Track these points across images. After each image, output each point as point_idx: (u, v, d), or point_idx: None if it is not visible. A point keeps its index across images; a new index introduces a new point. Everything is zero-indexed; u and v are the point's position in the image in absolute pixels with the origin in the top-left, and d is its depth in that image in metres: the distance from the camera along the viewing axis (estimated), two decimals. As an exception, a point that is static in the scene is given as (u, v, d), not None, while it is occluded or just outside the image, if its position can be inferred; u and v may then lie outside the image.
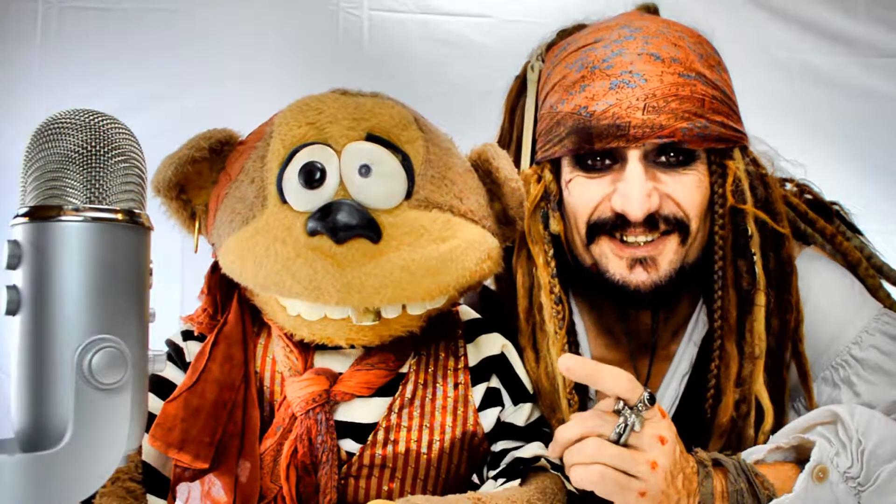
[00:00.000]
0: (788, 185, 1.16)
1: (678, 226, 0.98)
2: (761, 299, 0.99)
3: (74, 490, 0.53)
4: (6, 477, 0.50)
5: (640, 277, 0.98)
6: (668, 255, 0.98)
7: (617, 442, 0.79)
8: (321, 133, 0.84)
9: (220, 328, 0.90)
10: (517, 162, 1.11)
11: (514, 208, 0.91)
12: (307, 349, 0.91)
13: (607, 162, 0.99)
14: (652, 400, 0.80)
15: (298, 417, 0.87)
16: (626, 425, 0.79)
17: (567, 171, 1.02)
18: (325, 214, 0.78)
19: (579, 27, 1.12)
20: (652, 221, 0.97)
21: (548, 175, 1.05)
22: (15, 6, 1.87)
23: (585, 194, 1.00)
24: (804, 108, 1.94)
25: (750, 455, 0.90)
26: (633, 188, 0.95)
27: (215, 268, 0.91)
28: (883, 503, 0.84)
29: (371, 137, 0.84)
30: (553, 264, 1.03)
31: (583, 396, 1.05)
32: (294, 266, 0.76)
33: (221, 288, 0.92)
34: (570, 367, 0.80)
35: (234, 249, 0.81)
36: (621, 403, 0.80)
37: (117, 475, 0.84)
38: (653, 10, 1.15)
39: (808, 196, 1.17)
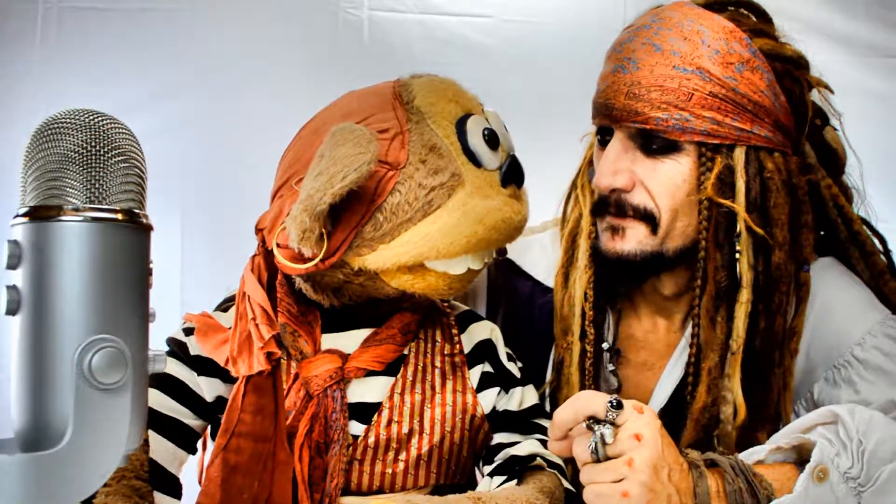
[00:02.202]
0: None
1: (645, 217, 1.01)
2: (743, 296, 1.00)
3: (74, 490, 0.52)
4: (6, 477, 0.50)
5: (607, 243, 1.05)
6: (638, 234, 1.02)
7: (597, 458, 0.79)
8: (464, 106, 0.93)
9: (249, 378, 0.88)
10: None
11: None
12: (313, 333, 0.93)
13: (607, 138, 1.04)
14: (619, 405, 0.80)
15: (315, 396, 0.89)
16: (596, 441, 0.79)
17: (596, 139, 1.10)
18: (512, 168, 0.93)
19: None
20: (620, 206, 1.02)
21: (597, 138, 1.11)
22: (15, 6, 1.87)
23: (597, 163, 1.07)
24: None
25: (750, 456, 0.90)
26: (603, 162, 1.03)
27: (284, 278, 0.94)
28: (883, 503, 0.84)
29: None
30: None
31: (599, 331, 1.11)
32: (506, 212, 0.90)
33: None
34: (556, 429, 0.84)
35: (446, 221, 0.86)
36: (589, 421, 0.80)
37: (122, 473, 0.84)
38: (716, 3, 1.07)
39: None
